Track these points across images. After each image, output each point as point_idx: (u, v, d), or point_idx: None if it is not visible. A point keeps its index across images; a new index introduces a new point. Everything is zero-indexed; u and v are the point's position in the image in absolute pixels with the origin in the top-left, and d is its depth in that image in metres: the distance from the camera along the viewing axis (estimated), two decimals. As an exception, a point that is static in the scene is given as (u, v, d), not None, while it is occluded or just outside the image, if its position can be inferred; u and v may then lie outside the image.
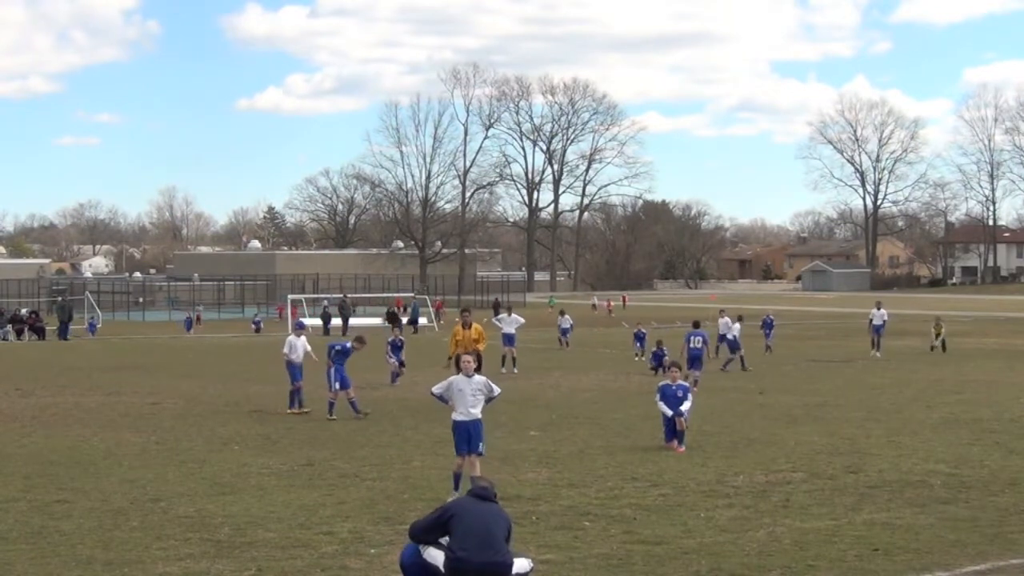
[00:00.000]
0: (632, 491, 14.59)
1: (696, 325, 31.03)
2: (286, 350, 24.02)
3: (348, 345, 23.13)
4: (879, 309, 41.30)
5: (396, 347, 30.08)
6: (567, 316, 48.31)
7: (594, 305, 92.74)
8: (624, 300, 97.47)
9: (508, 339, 33.97)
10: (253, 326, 66.26)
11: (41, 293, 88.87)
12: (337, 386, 22.58)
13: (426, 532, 9.52)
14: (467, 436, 14.30)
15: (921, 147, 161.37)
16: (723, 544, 11.68)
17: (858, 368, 35.56)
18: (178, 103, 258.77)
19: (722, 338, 37.68)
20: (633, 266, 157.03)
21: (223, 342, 53.87)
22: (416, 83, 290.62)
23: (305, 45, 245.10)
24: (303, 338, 24.63)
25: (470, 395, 14.32)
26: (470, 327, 25.85)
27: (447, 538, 9.40)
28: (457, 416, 14.36)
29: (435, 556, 9.37)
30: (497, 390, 14.75)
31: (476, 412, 14.39)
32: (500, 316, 35.85)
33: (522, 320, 35.21)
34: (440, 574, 9.28)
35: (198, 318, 73.12)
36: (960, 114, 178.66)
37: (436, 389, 14.73)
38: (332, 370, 22.66)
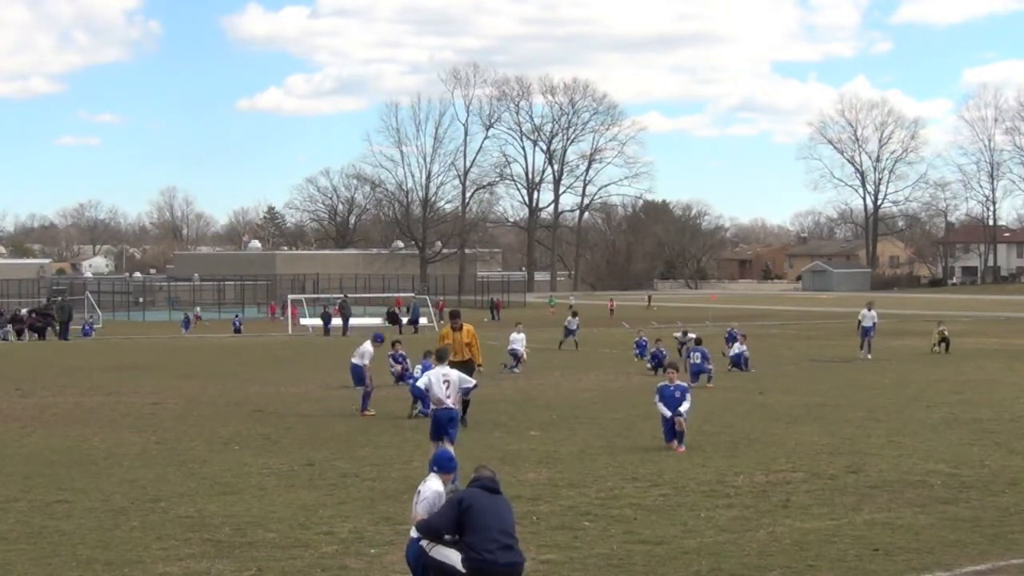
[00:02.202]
0: (632, 491, 14.60)
1: (698, 342, 31.72)
2: (357, 360, 24.07)
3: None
4: (870, 310, 39.91)
5: (399, 361, 30.00)
6: (576, 319, 48.47)
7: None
8: (649, 299, 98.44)
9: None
10: (233, 327, 65.50)
11: (41, 293, 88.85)
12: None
13: (445, 529, 9.42)
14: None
15: (921, 147, 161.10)
16: (723, 544, 11.68)
17: (858, 368, 35.55)
18: (179, 103, 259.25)
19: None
20: (633, 266, 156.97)
21: (223, 342, 53.87)
22: (417, 83, 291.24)
23: (306, 45, 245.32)
24: (373, 350, 24.57)
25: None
26: (461, 330, 22.81)
27: (456, 535, 9.38)
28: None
29: (448, 555, 9.32)
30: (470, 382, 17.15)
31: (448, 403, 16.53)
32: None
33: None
34: (453, 571, 9.26)
35: (196, 317, 73.12)
36: (960, 114, 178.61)
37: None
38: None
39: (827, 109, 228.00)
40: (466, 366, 20.78)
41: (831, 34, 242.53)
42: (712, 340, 39.82)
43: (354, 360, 24.37)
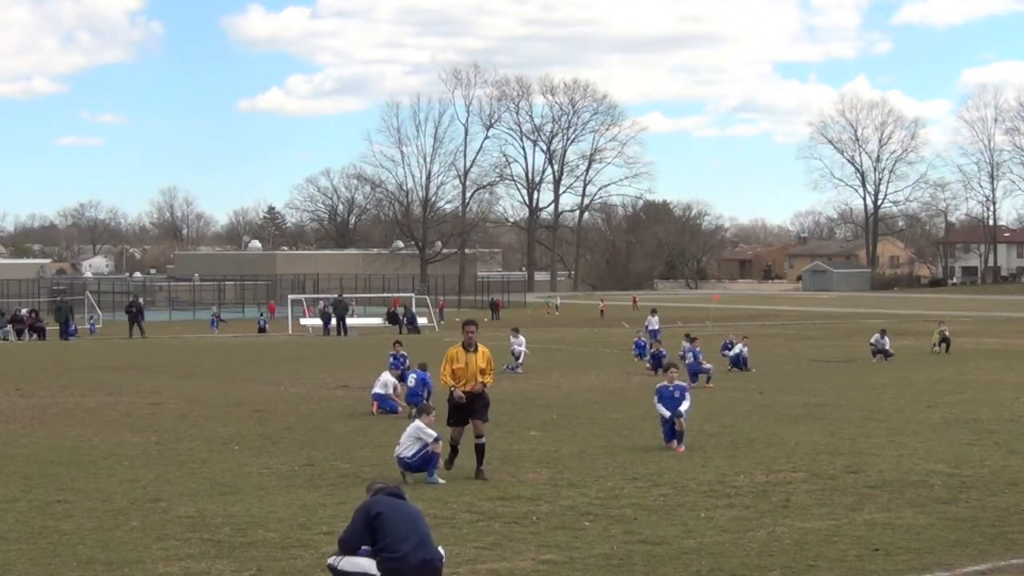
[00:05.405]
0: (632, 491, 14.59)
1: (691, 340, 32.22)
2: (380, 390, 23.49)
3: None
4: (883, 336, 38.97)
5: (400, 361, 29.72)
6: (657, 316, 48.14)
7: (554, 306, 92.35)
8: (635, 300, 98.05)
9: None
10: (258, 326, 66.42)
11: (41, 293, 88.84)
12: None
13: (358, 539, 9.37)
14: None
15: (921, 147, 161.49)
16: (723, 544, 11.67)
17: (858, 368, 35.55)
18: (180, 104, 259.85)
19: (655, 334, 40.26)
20: (634, 266, 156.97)
21: (224, 342, 53.87)
22: (419, 84, 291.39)
23: (307, 46, 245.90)
24: (393, 380, 24.18)
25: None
26: (476, 351, 16.31)
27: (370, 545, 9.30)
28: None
29: (360, 563, 9.21)
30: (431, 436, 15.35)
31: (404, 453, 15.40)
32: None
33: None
34: None
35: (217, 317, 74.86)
36: (960, 114, 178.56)
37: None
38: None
39: (827, 109, 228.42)
40: (480, 398, 16.20)
41: (832, 35, 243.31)
42: (712, 341, 39.81)
43: (378, 391, 23.53)
